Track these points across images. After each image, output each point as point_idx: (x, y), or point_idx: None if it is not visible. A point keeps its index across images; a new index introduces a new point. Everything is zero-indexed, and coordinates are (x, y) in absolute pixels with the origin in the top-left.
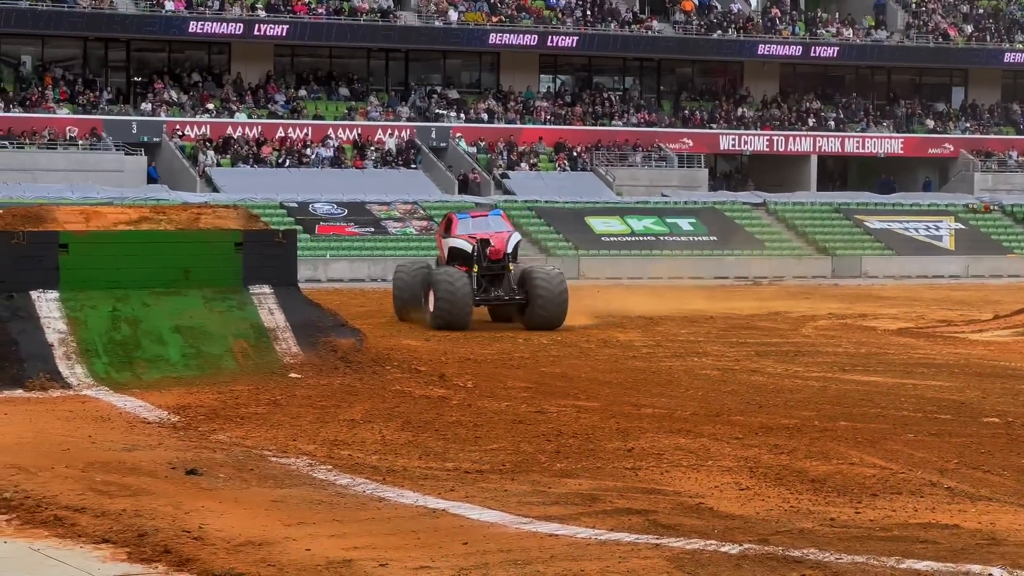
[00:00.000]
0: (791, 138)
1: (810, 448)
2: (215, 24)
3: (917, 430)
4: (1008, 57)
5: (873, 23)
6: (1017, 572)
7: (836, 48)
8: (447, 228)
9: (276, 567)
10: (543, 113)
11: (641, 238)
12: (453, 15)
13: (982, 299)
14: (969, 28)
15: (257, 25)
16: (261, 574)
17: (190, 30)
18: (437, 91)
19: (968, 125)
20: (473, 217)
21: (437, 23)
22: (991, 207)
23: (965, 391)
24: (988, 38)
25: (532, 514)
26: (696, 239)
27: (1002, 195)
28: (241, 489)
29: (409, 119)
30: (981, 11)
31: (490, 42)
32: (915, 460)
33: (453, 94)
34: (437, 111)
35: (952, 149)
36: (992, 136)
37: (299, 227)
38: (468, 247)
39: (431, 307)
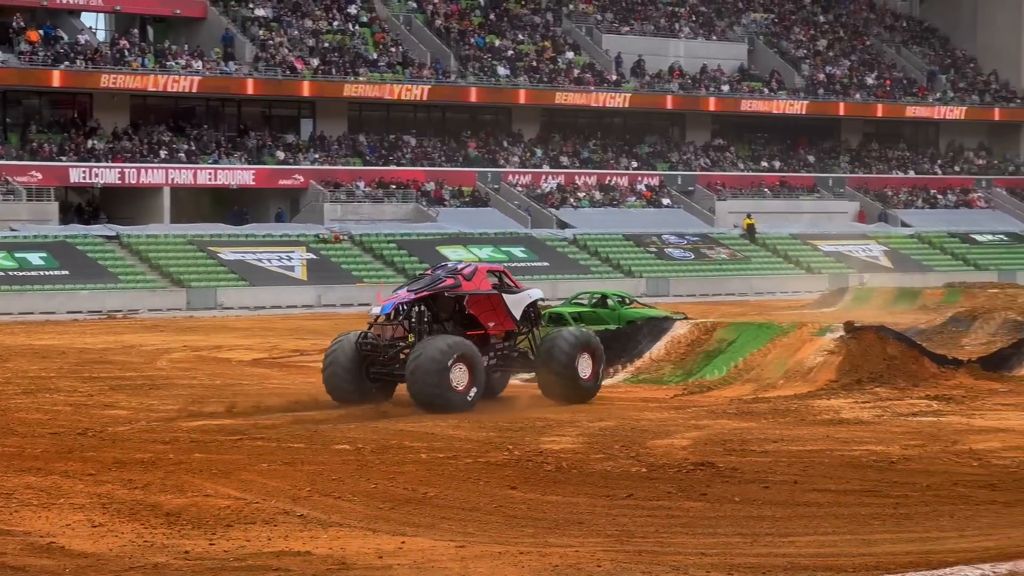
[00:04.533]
0: (143, 170)
1: (164, 482)
2: None
3: (271, 459)
4: (350, 90)
5: (222, 55)
6: None
7: (186, 80)
8: (511, 284)
9: None
10: None
11: None
12: None
13: (334, 328)
14: (316, 61)
15: None
16: None
17: None
18: None
19: (317, 156)
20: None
21: None
22: (341, 237)
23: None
24: (334, 71)
25: None
26: (47, 273)
27: (351, 225)
28: None
29: None
30: (327, 45)
31: None
32: (269, 489)
33: None
34: None
35: (303, 180)
36: (340, 167)
37: None
38: None
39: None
